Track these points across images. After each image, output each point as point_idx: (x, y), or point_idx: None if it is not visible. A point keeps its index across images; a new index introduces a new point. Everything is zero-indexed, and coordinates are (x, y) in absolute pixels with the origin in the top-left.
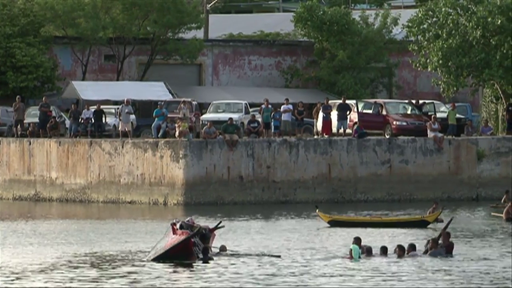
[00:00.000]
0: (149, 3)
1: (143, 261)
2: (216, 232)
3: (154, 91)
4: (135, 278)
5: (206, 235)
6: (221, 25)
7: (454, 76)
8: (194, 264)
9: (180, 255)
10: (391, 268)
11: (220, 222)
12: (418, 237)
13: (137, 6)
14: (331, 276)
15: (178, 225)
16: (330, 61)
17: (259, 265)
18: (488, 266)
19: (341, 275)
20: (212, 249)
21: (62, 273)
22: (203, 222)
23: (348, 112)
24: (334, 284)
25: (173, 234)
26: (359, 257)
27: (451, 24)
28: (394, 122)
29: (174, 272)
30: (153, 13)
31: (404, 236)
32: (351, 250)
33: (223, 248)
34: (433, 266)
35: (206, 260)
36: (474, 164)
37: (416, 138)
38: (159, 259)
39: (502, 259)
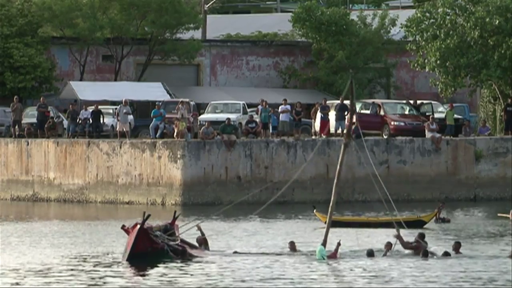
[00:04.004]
0: (147, 3)
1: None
2: (177, 221)
3: (152, 91)
4: (133, 278)
5: (169, 229)
6: (219, 26)
7: (452, 77)
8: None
9: (143, 246)
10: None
11: (175, 212)
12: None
13: (135, 6)
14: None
15: (127, 226)
16: (328, 62)
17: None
18: (490, 266)
19: (328, 275)
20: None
21: (60, 274)
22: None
23: (346, 113)
24: (330, 284)
25: (128, 234)
26: (323, 258)
27: (449, 24)
28: (392, 123)
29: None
30: (151, 13)
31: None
32: (336, 249)
33: (201, 241)
34: (433, 266)
35: (184, 261)
36: (472, 164)
37: (414, 139)
38: (130, 260)
39: (504, 259)
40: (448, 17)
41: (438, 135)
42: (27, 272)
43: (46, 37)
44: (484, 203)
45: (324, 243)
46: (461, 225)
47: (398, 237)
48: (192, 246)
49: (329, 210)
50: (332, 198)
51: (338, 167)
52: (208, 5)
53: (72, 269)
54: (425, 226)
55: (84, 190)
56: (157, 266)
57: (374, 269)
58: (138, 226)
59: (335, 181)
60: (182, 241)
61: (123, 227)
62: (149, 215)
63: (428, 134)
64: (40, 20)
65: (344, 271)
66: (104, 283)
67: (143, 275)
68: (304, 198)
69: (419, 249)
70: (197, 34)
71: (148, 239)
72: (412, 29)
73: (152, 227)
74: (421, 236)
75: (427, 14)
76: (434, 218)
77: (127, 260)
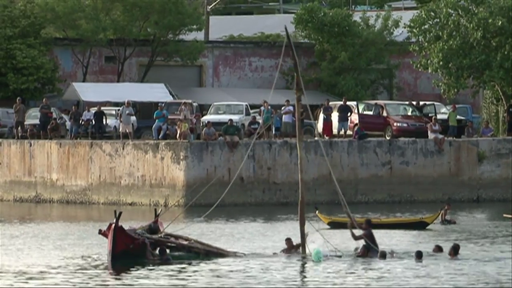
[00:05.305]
0: (149, 5)
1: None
2: (160, 218)
3: (155, 92)
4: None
5: (153, 228)
6: (222, 27)
7: (455, 78)
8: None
9: (123, 245)
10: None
11: (156, 209)
12: (417, 238)
13: (138, 8)
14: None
15: (103, 229)
16: (330, 63)
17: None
18: (491, 267)
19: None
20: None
21: (61, 275)
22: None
23: (348, 114)
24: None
25: (107, 237)
26: (320, 260)
27: (452, 25)
28: (395, 124)
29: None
30: (153, 15)
31: (403, 237)
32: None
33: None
34: (435, 267)
35: (164, 261)
36: (475, 165)
37: (417, 140)
38: (114, 262)
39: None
40: (451, 18)
41: (440, 136)
42: (29, 273)
43: (49, 38)
44: (487, 204)
45: (303, 246)
46: (467, 226)
47: (350, 226)
48: (178, 238)
49: (299, 212)
50: (300, 193)
51: (297, 135)
52: (211, 6)
53: (73, 270)
54: (428, 227)
55: (87, 191)
56: (160, 267)
57: (373, 270)
58: (113, 226)
59: (299, 163)
60: (167, 234)
61: (100, 231)
62: (120, 213)
63: (430, 135)
64: (42, 21)
65: (343, 271)
66: (105, 283)
67: (143, 276)
68: (307, 199)
69: (367, 236)
70: (200, 35)
71: (127, 236)
72: (415, 29)
73: (135, 229)
74: (368, 223)
75: (431, 14)
76: (440, 219)
77: (111, 261)
